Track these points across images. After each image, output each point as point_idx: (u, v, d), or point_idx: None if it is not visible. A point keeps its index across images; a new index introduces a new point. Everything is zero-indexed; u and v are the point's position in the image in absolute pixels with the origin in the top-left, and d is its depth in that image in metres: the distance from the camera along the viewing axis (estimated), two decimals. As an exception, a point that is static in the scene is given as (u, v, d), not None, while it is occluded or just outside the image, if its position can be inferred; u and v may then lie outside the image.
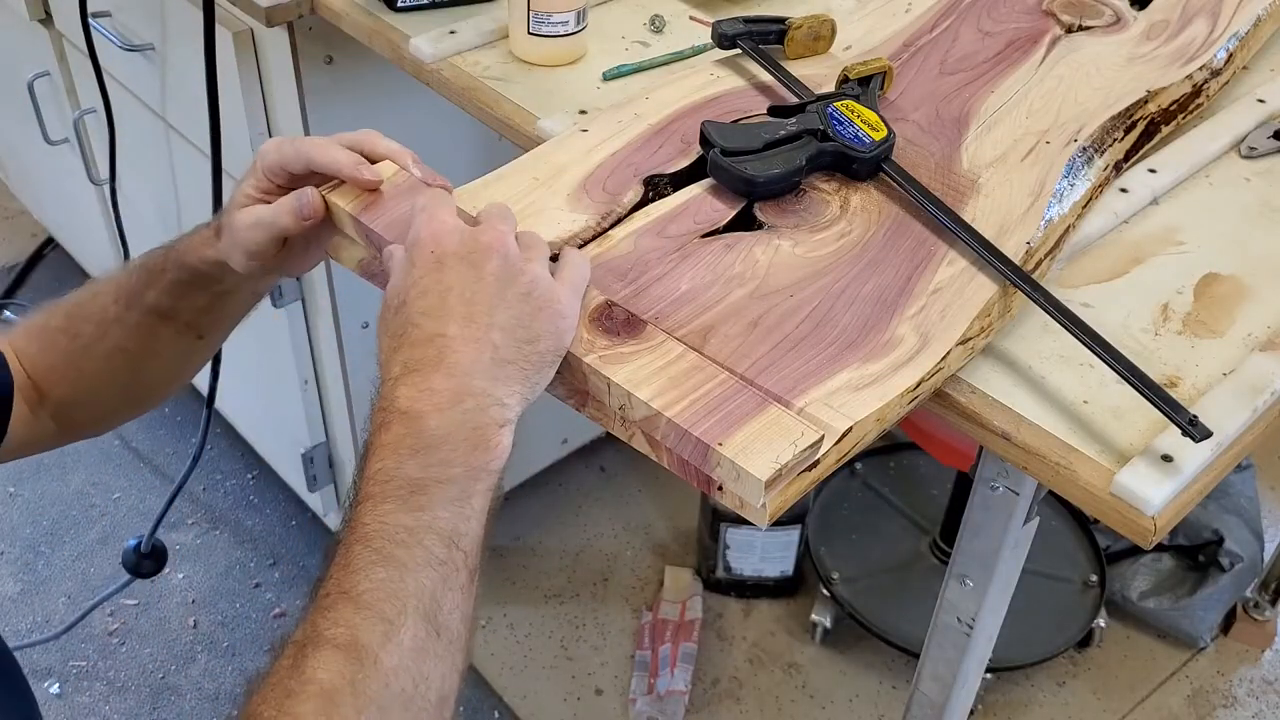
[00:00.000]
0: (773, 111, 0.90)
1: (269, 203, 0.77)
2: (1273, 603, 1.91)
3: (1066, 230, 0.86)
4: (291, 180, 0.77)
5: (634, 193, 0.83)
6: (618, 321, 0.71)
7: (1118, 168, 0.94)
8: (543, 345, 0.65)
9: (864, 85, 0.93)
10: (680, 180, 0.86)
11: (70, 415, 0.88)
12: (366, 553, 0.58)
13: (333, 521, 1.91)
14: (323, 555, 0.60)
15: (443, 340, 0.63)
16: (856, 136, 0.85)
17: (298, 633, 0.57)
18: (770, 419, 0.66)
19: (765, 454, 0.63)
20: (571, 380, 0.71)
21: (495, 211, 0.71)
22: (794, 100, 0.91)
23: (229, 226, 0.78)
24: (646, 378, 0.67)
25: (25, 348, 0.85)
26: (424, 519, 0.59)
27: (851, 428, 0.67)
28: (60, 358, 0.85)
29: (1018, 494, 0.88)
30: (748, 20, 1.01)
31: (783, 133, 0.84)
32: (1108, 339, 0.75)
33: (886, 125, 0.86)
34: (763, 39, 1.00)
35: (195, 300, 0.83)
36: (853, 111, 0.86)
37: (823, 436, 0.65)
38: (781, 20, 1.00)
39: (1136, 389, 0.72)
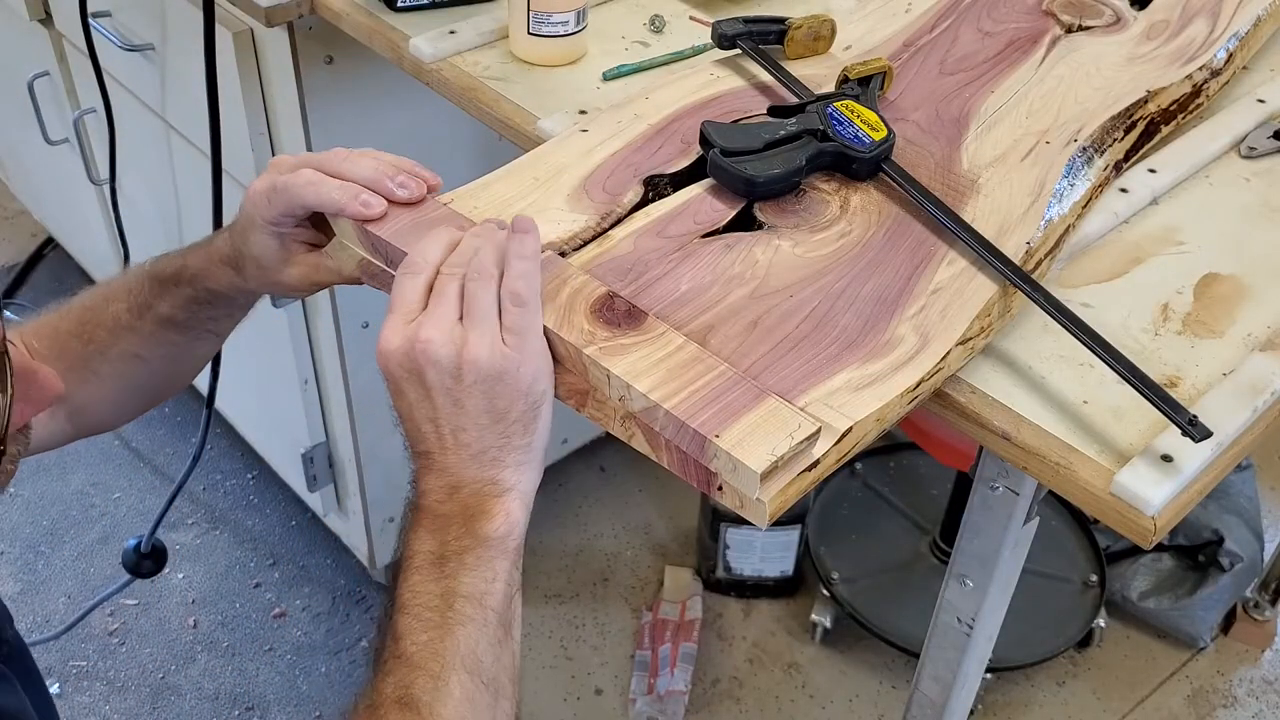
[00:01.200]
0: (772, 111, 0.89)
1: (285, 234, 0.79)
2: (1273, 603, 1.91)
3: (1066, 230, 0.86)
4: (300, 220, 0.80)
5: (634, 193, 0.83)
6: (619, 313, 0.71)
7: (1118, 168, 0.94)
8: (516, 411, 0.69)
9: (864, 85, 0.93)
10: (680, 180, 0.86)
11: (83, 415, 0.89)
12: (408, 619, 0.66)
13: (332, 522, 1.91)
14: (376, 629, 0.69)
15: (427, 456, 0.70)
16: (856, 136, 0.85)
17: (364, 699, 0.65)
18: (768, 410, 0.66)
19: (762, 446, 0.63)
20: (571, 380, 0.71)
21: (437, 296, 0.69)
22: (794, 100, 0.91)
23: (267, 281, 0.81)
24: (646, 369, 0.68)
25: (38, 349, 0.86)
26: (449, 585, 0.67)
27: (851, 428, 0.67)
28: (74, 361, 0.86)
29: (1018, 494, 0.88)
30: (748, 20, 1.00)
31: (783, 133, 0.84)
32: (1108, 339, 0.75)
33: (886, 125, 0.86)
34: (762, 39, 0.99)
35: (210, 313, 0.86)
36: (852, 111, 0.86)
37: (819, 429, 0.65)
38: (781, 20, 1.00)
39: (1136, 388, 0.72)
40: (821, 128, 0.85)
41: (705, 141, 0.84)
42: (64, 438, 0.90)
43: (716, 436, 0.64)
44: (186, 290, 0.84)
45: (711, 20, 1.17)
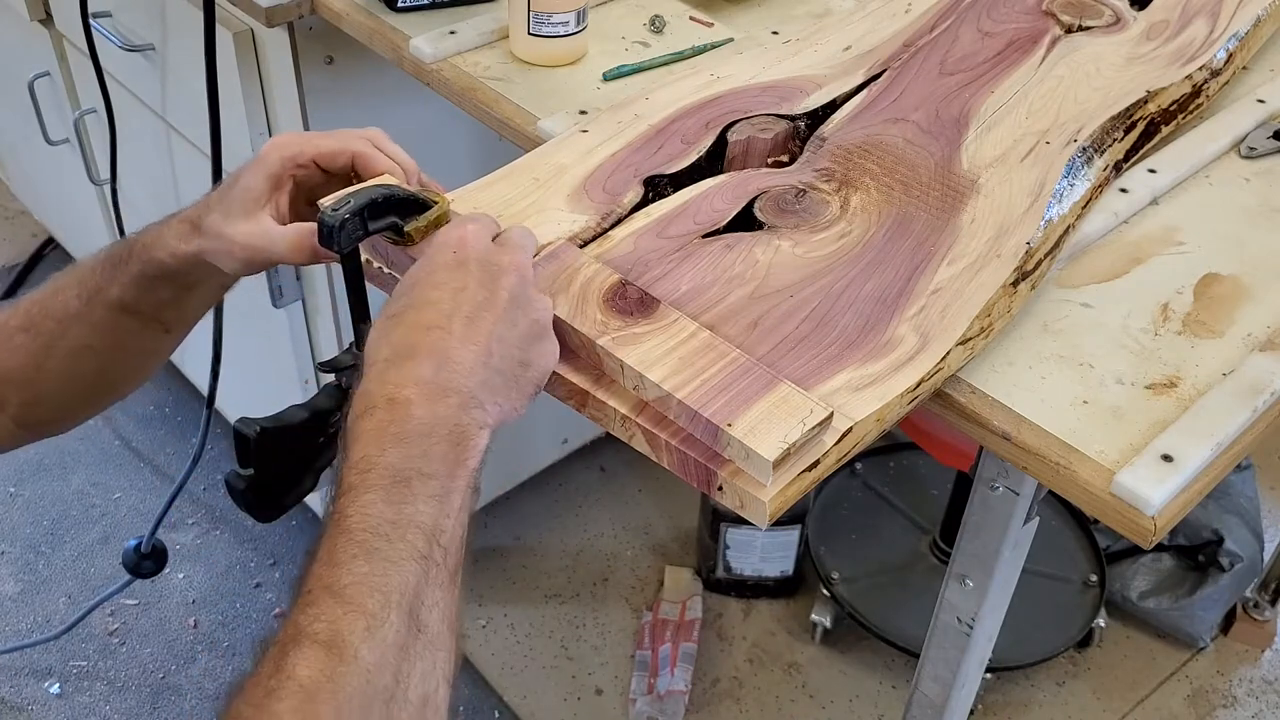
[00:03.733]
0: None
1: (277, 208, 0.76)
2: (1273, 603, 1.91)
3: (1066, 230, 0.86)
4: (309, 177, 0.77)
5: (634, 193, 0.84)
6: (631, 301, 0.72)
7: (1118, 168, 0.94)
8: (532, 372, 0.67)
9: None
10: (680, 180, 0.86)
11: (32, 414, 0.85)
12: (349, 545, 0.57)
13: (333, 521, 1.91)
14: (307, 550, 0.58)
15: (441, 333, 0.63)
16: None
17: (281, 632, 0.55)
18: (780, 396, 0.66)
19: (773, 434, 0.64)
20: (572, 380, 0.71)
21: (519, 234, 0.72)
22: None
23: (221, 235, 0.75)
24: (659, 358, 0.68)
25: None
26: (406, 512, 0.58)
27: (852, 428, 0.67)
28: (21, 357, 0.82)
29: (1018, 494, 0.88)
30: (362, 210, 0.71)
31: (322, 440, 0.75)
32: (1108, 339, 0.75)
33: None
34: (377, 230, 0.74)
35: (160, 294, 0.81)
36: None
37: (831, 414, 0.66)
38: (400, 228, 0.75)
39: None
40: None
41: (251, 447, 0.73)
42: (8, 438, 0.85)
43: (729, 425, 0.64)
44: (135, 267, 0.79)
45: (708, 20, 1.17)
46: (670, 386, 0.66)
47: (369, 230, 0.72)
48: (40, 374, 0.83)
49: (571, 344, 0.71)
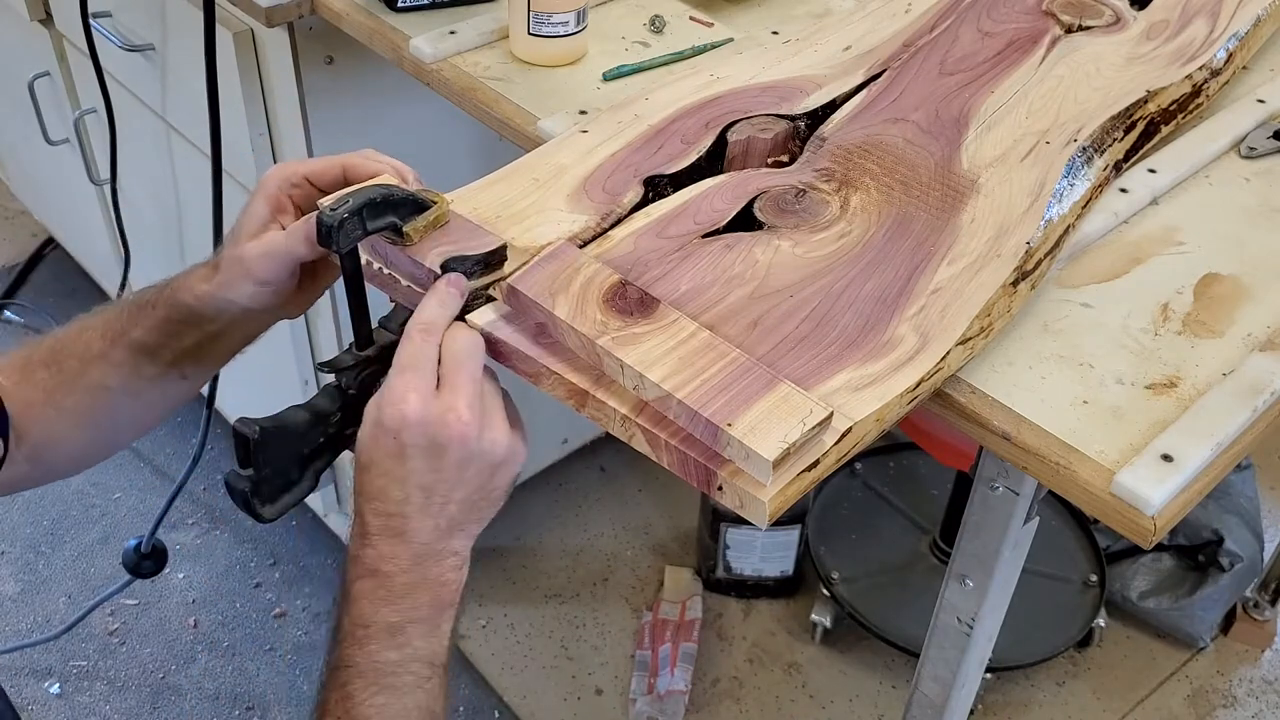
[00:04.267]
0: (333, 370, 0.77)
1: (282, 227, 0.77)
2: (1272, 603, 1.91)
3: (1066, 230, 0.86)
4: (306, 197, 0.78)
5: (634, 193, 0.84)
6: (631, 301, 0.72)
7: (1117, 168, 0.94)
8: (497, 491, 0.72)
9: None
10: (680, 180, 0.86)
11: (44, 455, 0.86)
12: (363, 684, 0.68)
13: (333, 522, 1.91)
14: (318, 686, 0.70)
15: (402, 519, 0.70)
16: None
17: None
18: (780, 396, 0.66)
19: (774, 433, 0.64)
20: (572, 380, 0.71)
21: (463, 353, 0.70)
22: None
23: (235, 259, 0.78)
24: (659, 358, 0.68)
25: (5, 382, 0.84)
26: (406, 652, 0.69)
27: (851, 428, 0.67)
28: (39, 393, 0.84)
29: (1018, 494, 0.88)
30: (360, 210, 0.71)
31: (322, 440, 0.76)
32: (1108, 339, 0.75)
33: None
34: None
35: (184, 339, 0.83)
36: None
37: (831, 414, 0.66)
38: (399, 229, 0.74)
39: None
40: (356, 421, 0.74)
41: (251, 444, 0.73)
42: (21, 479, 0.87)
43: (729, 425, 0.64)
44: (161, 311, 0.81)
45: (708, 19, 1.17)
46: (670, 386, 0.66)
47: (368, 230, 0.72)
48: (56, 412, 0.85)
49: (571, 344, 0.71)
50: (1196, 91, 1.01)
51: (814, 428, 0.65)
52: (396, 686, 0.69)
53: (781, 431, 0.64)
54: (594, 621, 1.89)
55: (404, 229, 0.73)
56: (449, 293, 0.72)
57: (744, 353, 0.69)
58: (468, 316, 0.73)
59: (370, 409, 0.70)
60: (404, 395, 0.68)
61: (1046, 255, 0.83)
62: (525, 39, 1.08)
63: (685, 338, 0.70)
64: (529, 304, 0.72)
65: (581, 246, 0.79)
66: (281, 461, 0.73)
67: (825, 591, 1.82)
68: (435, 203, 0.75)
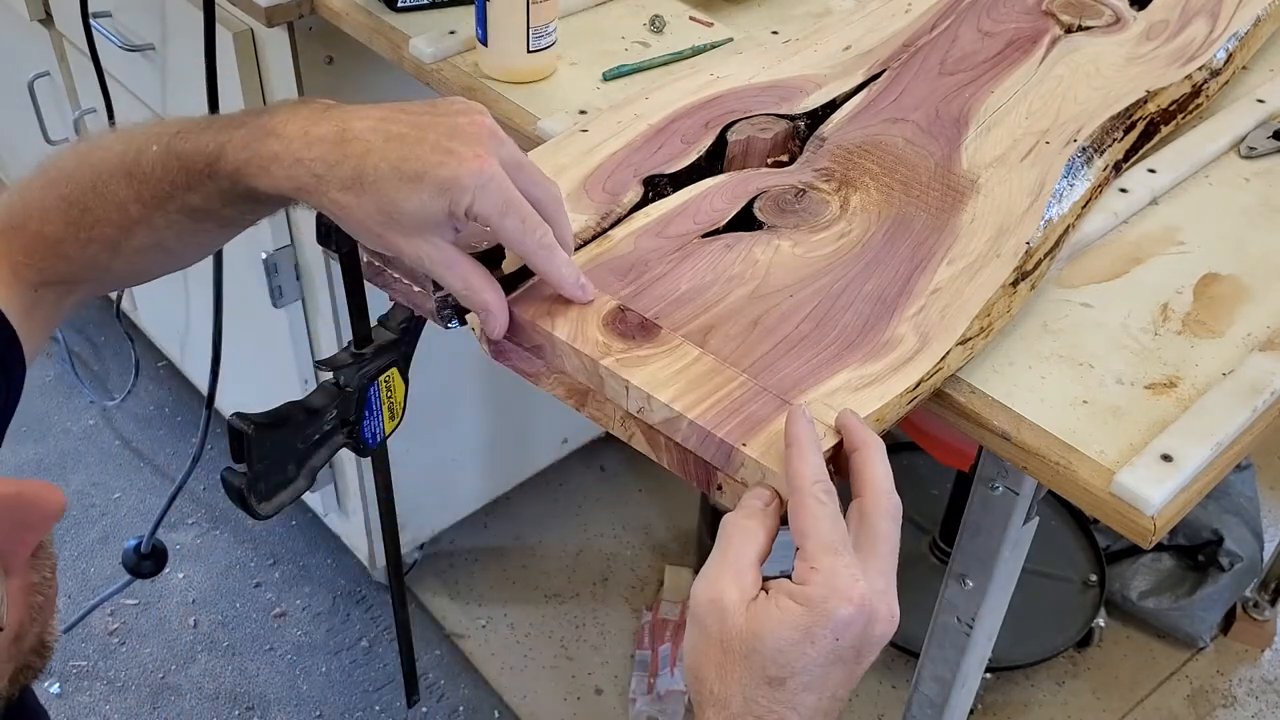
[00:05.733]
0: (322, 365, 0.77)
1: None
2: (1272, 603, 1.91)
3: (1066, 230, 0.86)
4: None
5: (634, 193, 0.83)
6: (631, 325, 0.71)
7: (1117, 168, 0.94)
8: (856, 678, 0.58)
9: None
10: (680, 180, 0.86)
11: (91, 292, 0.80)
12: None
13: (332, 521, 1.91)
14: None
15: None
16: (372, 434, 0.78)
17: None
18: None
19: None
20: (571, 381, 0.71)
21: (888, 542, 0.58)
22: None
23: (388, 216, 0.65)
24: (666, 380, 0.68)
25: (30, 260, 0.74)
26: None
27: (851, 428, 0.67)
28: (76, 268, 0.75)
29: (1017, 494, 0.88)
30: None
31: (318, 435, 0.75)
32: (1108, 339, 0.74)
33: (403, 412, 0.80)
34: None
35: (254, 214, 0.74)
36: (389, 389, 0.78)
37: (842, 439, 0.65)
38: None
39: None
40: (353, 419, 0.76)
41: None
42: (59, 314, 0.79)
43: (743, 445, 0.64)
44: (224, 183, 0.69)
45: (710, 20, 1.17)
46: (681, 408, 0.66)
47: None
48: (108, 274, 0.77)
49: (570, 366, 0.70)
50: (1196, 91, 1.01)
51: (827, 451, 0.64)
52: None
53: None
54: (594, 621, 1.89)
55: None
56: (808, 428, 0.61)
57: (752, 377, 0.69)
58: (467, 318, 0.73)
59: (791, 603, 0.55)
60: (838, 584, 0.54)
61: (1046, 255, 0.83)
62: (526, 58, 1.06)
63: (690, 361, 0.69)
64: (527, 325, 0.71)
65: (582, 246, 0.79)
66: (277, 457, 0.73)
67: (825, 591, 1.82)
68: None
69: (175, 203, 0.71)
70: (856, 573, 0.55)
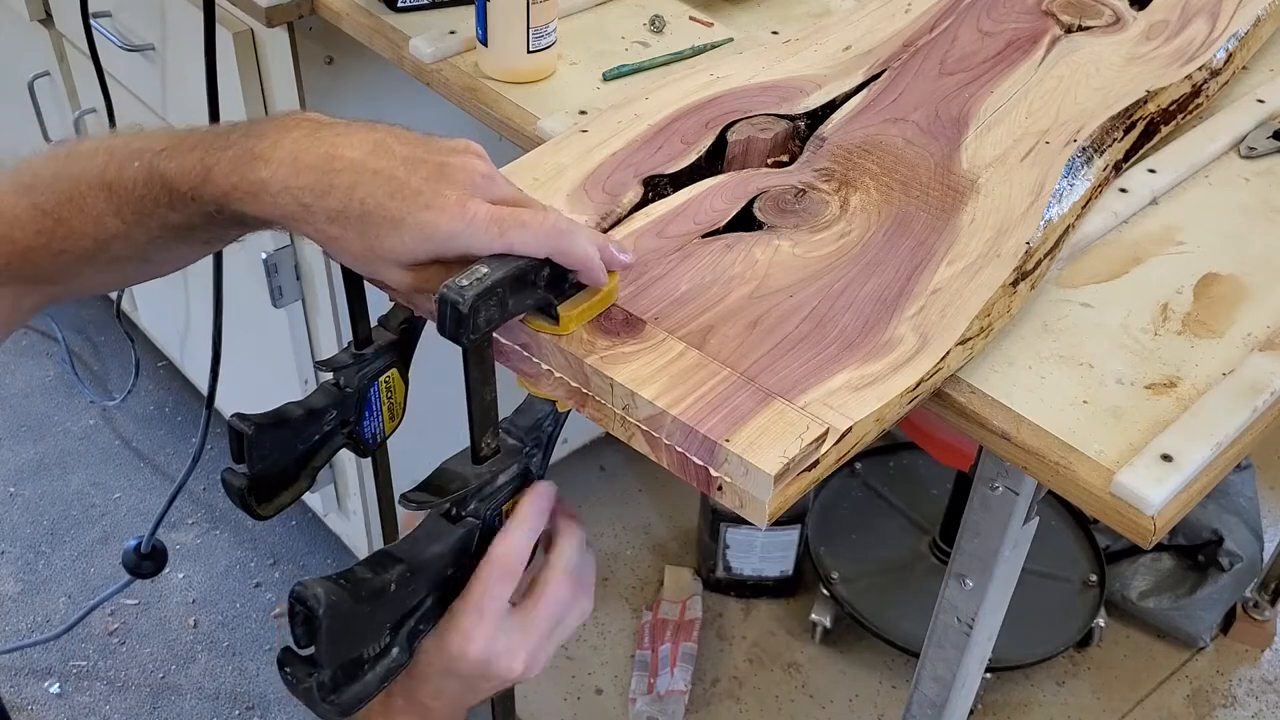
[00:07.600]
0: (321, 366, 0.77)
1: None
2: (1272, 603, 1.91)
3: (1066, 230, 0.86)
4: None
5: (634, 193, 0.84)
6: (616, 321, 0.71)
7: (1117, 168, 0.94)
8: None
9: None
10: (680, 180, 0.86)
11: (47, 300, 0.78)
12: None
13: (332, 521, 1.91)
14: None
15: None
16: (371, 434, 0.78)
17: None
18: (774, 414, 0.66)
19: (773, 449, 0.63)
20: (571, 381, 0.71)
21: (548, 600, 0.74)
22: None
23: (390, 248, 0.64)
24: (649, 377, 0.68)
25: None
26: None
27: (851, 428, 0.67)
28: (45, 272, 0.73)
29: (1017, 494, 0.88)
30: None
31: (316, 438, 0.75)
32: (1107, 339, 0.75)
33: (403, 412, 0.80)
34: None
35: (231, 231, 0.72)
36: (389, 391, 0.77)
37: (828, 430, 0.65)
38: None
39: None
40: (353, 420, 0.76)
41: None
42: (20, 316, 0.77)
43: (727, 441, 0.64)
44: (209, 207, 0.67)
45: (710, 20, 1.17)
46: (664, 404, 0.66)
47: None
48: (80, 279, 0.75)
49: (555, 365, 0.71)
50: (1196, 91, 1.01)
51: (811, 443, 0.65)
52: None
53: (781, 446, 0.64)
54: (594, 621, 1.89)
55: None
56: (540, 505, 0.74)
57: (734, 371, 0.69)
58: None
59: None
60: (508, 644, 0.72)
61: (1046, 255, 0.83)
62: (527, 59, 1.06)
63: (674, 357, 0.69)
64: (513, 324, 0.71)
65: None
66: (277, 458, 0.73)
67: (825, 591, 1.82)
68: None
69: (156, 220, 0.69)
70: (515, 634, 0.72)
